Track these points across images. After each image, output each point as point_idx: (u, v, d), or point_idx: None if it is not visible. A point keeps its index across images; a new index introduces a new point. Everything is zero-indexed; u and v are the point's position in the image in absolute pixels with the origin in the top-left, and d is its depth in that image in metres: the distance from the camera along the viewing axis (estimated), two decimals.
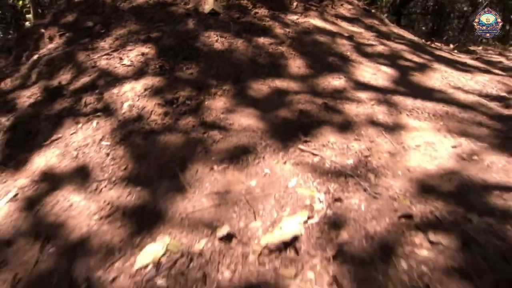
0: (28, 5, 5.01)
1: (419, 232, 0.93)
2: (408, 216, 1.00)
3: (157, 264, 0.90)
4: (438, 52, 2.63)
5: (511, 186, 1.12)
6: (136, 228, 1.04)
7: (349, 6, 2.83)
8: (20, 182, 1.31)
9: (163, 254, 0.93)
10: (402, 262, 0.85)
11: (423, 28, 7.22)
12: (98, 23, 2.38)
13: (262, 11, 2.37)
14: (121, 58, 1.92)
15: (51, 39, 2.43)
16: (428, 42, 3.64)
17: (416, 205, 1.05)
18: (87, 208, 1.14)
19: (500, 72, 2.42)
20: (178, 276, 0.88)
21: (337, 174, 1.21)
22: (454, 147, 1.38)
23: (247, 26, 2.21)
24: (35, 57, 2.22)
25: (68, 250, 1.00)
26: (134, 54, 1.94)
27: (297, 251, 0.90)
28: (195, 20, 2.24)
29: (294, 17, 2.39)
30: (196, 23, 2.19)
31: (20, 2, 5.09)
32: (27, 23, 4.95)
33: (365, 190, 1.13)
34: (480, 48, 3.77)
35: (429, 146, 1.38)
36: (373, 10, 3.04)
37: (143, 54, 1.94)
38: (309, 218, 1.01)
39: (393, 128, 1.49)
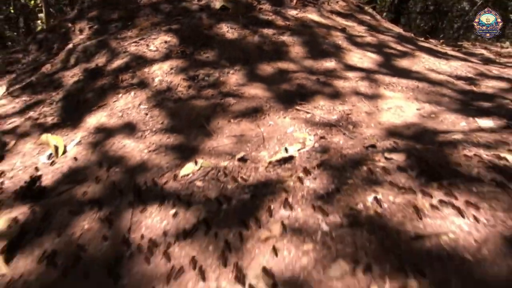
0: (40, 5, 5.59)
1: (379, 154, 1.42)
2: (373, 146, 1.49)
3: (196, 173, 1.40)
4: (422, 44, 3.15)
5: (452, 130, 1.61)
6: (177, 156, 1.54)
7: (343, 3, 3.37)
8: (80, 134, 1.81)
9: (199, 169, 1.42)
10: (364, 168, 1.33)
11: (425, 27, 7.81)
12: (123, 16, 2.91)
13: (266, 7, 2.90)
14: (147, 45, 2.44)
15: (81, 31, 2.96)
16: (422, 38, 4.17)
17: (380, 141, 1.54)
18: (137, 147, 1.64)
19: (475, 60, 2.93)
20: (210, 180, 1.37)
21: (324, 124, 1.71)
22: (418, 109, 1.88)
23: (253, 19, 2.74)
24: (70, 46, 2.74)
25: (128, 170, 1.49)
26: (158, 42, 2.46)
27: (292, 164, 1.39)
28: (208, 14, 2.77)
29: (293, 12, 2.92)
30: (209, 17, 2.72)
31: (32, 2, 5.67)
32: (38, 22, 5.53)
33: (344, 134, 1.63)
34: (469, 43, 4.30)
35: (398, 109, 1.88)
36: (366, 7, 3.57)
37: (166, 42, 2.46)
38: (301, 148, 1.51)
39: (371, 97, 1.99)
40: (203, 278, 0.92)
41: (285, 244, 0.99)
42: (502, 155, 1.31)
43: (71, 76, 2.35)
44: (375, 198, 1.12)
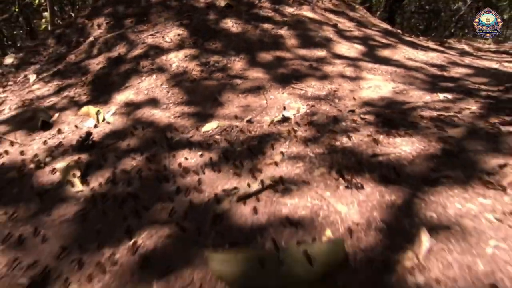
0: (44, 3, 6.13)
1: (356, 115, 1.96)
2: (352, 111, 2.03)
3: (215, 130, 1.93)
4: (406, 38, 3.73)
5: (416, 101, 2.16)
6: (198, 119, 2.07)
7: (336, 2, 3.95)
8: (113, 107, 2.34)
9: (216, 127, 1.96)
10: (343, 123, 1.87)
11: (420, 26, 8.48)
12: (137, 13, 3.46)
13: (266, 5, 3.47)
14: (163, 37, 2.98)
15: (99, 26, 3.50)
16: (412, 35, 4.77)
17: (358, 109, 2.08)
18: (164, 114, 2.17)
19: (452, 53, 3.51)
20: (226, 134, 1.89)
21: (315, 98, 2.25)
22: (393, 87, 2.43)
23: (255, 15, 3.30)
24: (91, 38, 3.28)
25: (159, 129, 2.02)
26: (172, 34, 3.00)
27: (289, 122, 1.93)
28: (214, 11, 3.33)
29: (290, 10, 3.49)
30: (216, 13, 3.28)
31: (37, 1, 6.21)
32: (43, 20, 6.07)
33: (330, 104, 2.17)
34: (455, 40, 4.90)
35: (376, 87, 2.43)
36: (357, 6, 4.16)
37: (179, 34, 3.00)
38: (296, 113, 2.05)
39: (355, 78, 2.54)
40: (226, 181, 1.44)
41: (284, 164, 1.52)
42: (446, 114, 1.86)
43: (97, 64, 2.89)
44: (348, 137, 1.66)
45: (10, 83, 3.17)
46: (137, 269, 1.02)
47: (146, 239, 1.14)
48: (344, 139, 1.67)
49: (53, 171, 1.69)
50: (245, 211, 1.21)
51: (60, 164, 1.75)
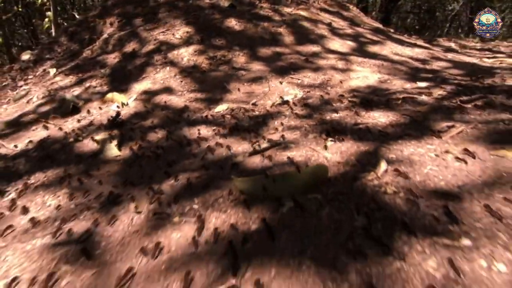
0: (47, 3, 6.61)
1: (344, 98, 2.45)
2: (342, 95, 2.52)
3: (225, 110, 2.41)
4: (395, 36, 4.25)
5: (397, 88, 2.66)
6: (210, 103, 2.55)
7: (331, 3, 4.48)
8: (134, 95, 2.81)
9: (226, 108, 2.44)
10: (333, 104, 2.36)
11: (416, 26, 9.07)
12: (146, 12, 3.96)
13: (266, 5, 3.98)
14: (173, 34, 3.47)
15: (111, 24, 3.98)
16: (405, 35, 5.30)
17: (348, 94, 2.58)
18: (179, 99, 2.64)
19: (437, 49, 4.03)
20: (235, 114, 2.37)
21: (310, 86, 2.74)
22: (379, 78, 2.93)
23: (255, 15, 3.81)
24: (105, 35, 3.76)
25: (177, 111, 2.49)
26: (181, 32, 3.49)
27: (288, 104, 2.41)
28: (219, 11, 3.83)
29: (288, 10, 4.00)
30: (220, 13, 3.78)
31: (39, 0, 6.68)
32: (46, 20, 6.55)
33: (323, 91, 2.66)
34: (446, 38, 5.44)
35: (364, 78, 2.92)
36: (350, 6, 4.69)
37: (187, 32, 3.50)
38: (294, 97, 2.53)
39: (345, 70, 3.04)
40: (238, 145, 1.91)
41: (284, 132, 2.00)
42: (419, 96, 2.35)
43: (113, 58, 3.37)
44: (336, 113, 2.15)
45: (30, 76, 3.63)
46: (180, 192, 1.48)
47: (183, 178, 1.60)
48: (333, 114, 2.15)
49: (93, 139, 2.16)
50: (256, 160, 1.68)
51: (98, 137, 2.21)
